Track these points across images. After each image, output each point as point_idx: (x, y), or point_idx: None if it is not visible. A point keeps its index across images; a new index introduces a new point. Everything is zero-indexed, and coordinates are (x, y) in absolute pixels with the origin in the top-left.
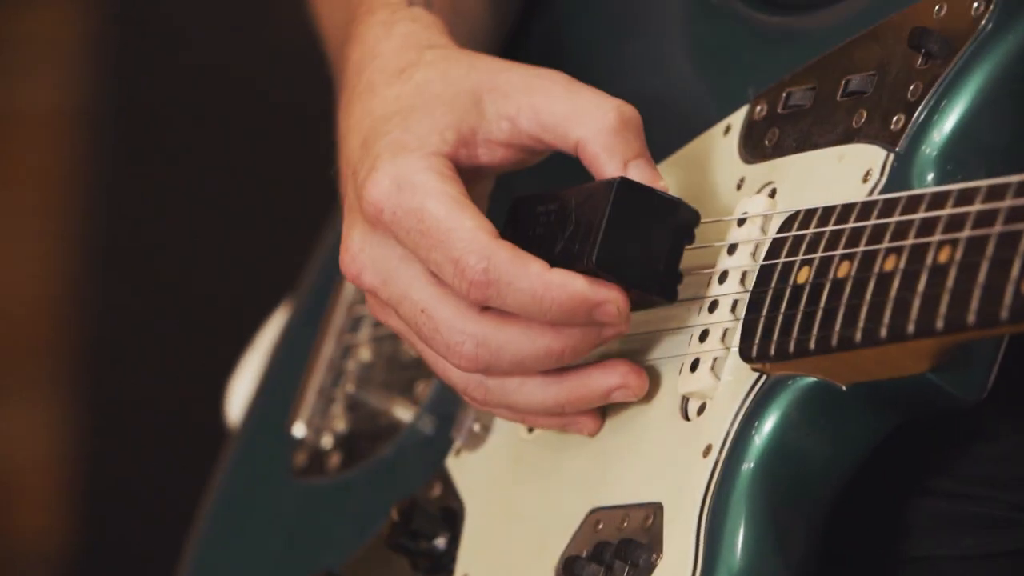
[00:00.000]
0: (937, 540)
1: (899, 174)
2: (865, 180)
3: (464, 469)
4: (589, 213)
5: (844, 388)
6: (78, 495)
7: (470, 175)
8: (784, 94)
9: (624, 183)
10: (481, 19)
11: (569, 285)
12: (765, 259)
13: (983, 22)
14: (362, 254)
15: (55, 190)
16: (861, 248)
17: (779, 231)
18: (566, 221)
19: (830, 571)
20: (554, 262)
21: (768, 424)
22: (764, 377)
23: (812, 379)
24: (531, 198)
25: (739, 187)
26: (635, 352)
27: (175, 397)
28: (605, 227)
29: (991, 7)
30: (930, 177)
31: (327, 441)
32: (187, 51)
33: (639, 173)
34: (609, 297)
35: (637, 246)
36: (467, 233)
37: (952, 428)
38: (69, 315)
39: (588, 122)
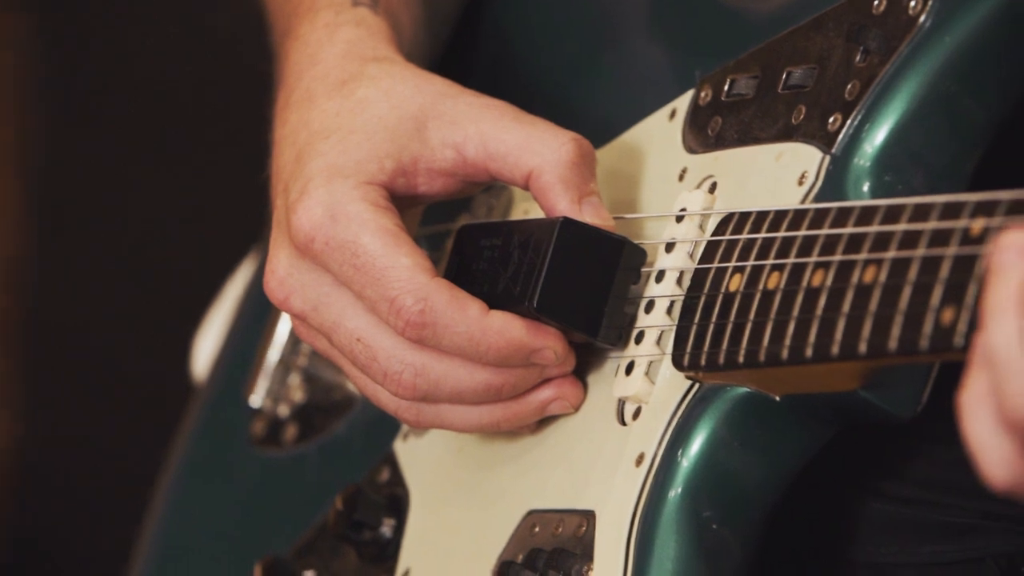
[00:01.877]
0: (895, 546)
1: (834, 179)
2: (801, 183)
3: (411, 454)
4: (532, 253)
5: (778, 399)
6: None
7: (405, 203)
8: (728, 81)
9: (567, 224)
10: (419, 19)
11: (507, 331)
12: (700, 262)
13: (921, 19)
14: (290, 279)
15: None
16: (791, 260)
17: (714, 233)
18: (508, 259)
19: (784, 574)
20: (495, 301)
21: (696, 444)
22: (698, 385)
23: (745, 390)
24: (477, 229)
25: (681, 178)
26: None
27: (137, 356)
28: (547, 271)
29: (928, 4)
30: (866, 187)
31: (284, 410)
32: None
33: (592, 211)
34: (547, 344)
35: (580, 289)
36: (404, 272)
37: (908, 432)
38: (21, 284)
39: (543, 152)
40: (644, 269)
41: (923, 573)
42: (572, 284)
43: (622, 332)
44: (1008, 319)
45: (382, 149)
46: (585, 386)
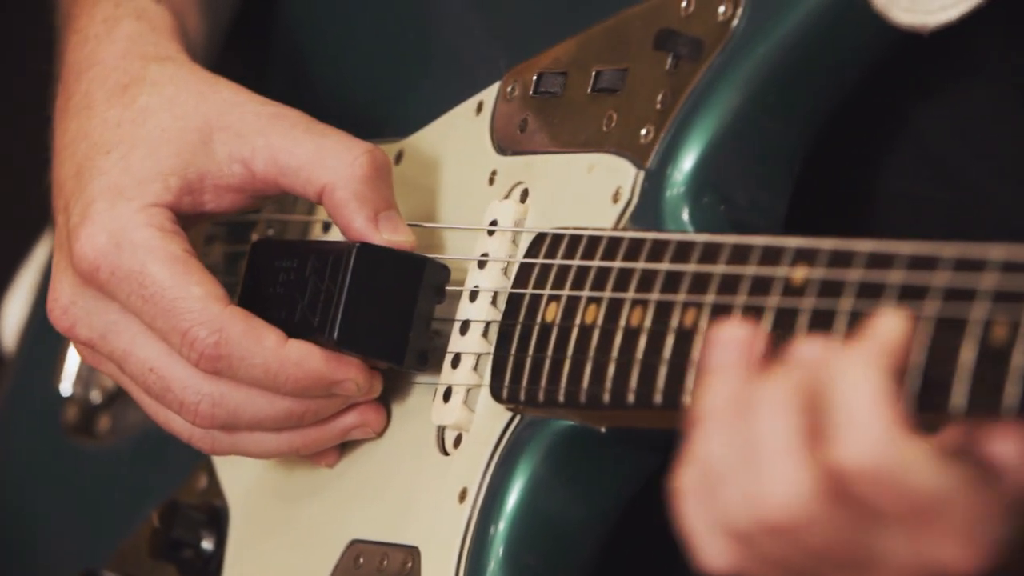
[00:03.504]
0: None
1: (650, 197)
2: (616, 199)
3: (232, 466)
4: (328, 281)
5: (603, 430)
6: None
7: (192, 221)
8: (535, 75)
9: (363, 250)
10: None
11: (305, 362)
12: (514, 285)
13: (733, 24)
14: (74, 307)
15: None
16: (607, 294)
17: (527, 254)
18: (304, 285)
19: None
20: (293, 329)
21: (517, 486)
22: (519, 417)
23: (568, 423)
24: (272, 247)
25: (491, 182)
26: (390, 374)
27: None
28: (345, 302)
29: (738, 9)
30: (685, 209)
31: (96, 396)
32: None
33: (390, 227)
34: (348, 375)
35: (381, 316)
36: (196, 303)
37: None
38: None
39: (336, 166)
40: (455, 288)
41: None
42: (373, 312)
43: (429, 356)
44: (721, 429)
45: (166, 166)
46: (403, 412)
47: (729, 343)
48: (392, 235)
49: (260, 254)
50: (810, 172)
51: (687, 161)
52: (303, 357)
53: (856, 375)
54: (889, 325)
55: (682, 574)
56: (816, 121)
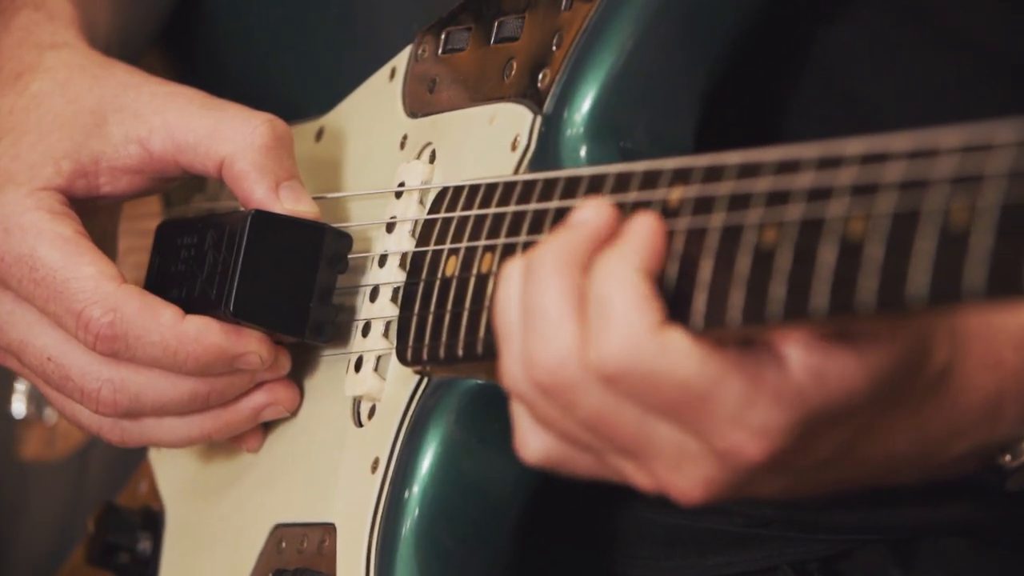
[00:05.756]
0: (677, 559)
1: (547, 141)
2: (514, 148)
3: (163, 463)
4: (225, 252)
5: None
6: None
7: (88, 206)
8: (444, 34)
9: (258, 217)
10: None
11: (204, 337)
12: (418, 244)
13: None
14: None
15: None
16: (501, 240)
17: (430, 211)
18: (203, 259)
19: None
20: (193, 306)
21: (430, 449)
22: (427, 379)
23: (476, 381)
24: (174, 225)
25: (402, 146)
26: (303, 348)
27: None
28: (240, 271)
29: None
30: (583, 148)
31: (51, 415)
32: None
33: (291, 197)
34: (249, 348)
35: (279, 286)
36: (88, 282)
37: None
38: None
39: (234, 138)
40: (365, 254)
41: None
42: (270, 282)
43: (329, 327)
44: (507, 290)
45: (58, 149)
46: (319, 388)
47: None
48: (294, 205)
49: (164, 234)
50: (716, 103)
51: (582, 102)
52: (201, 332)
53: (617, 272)
54: (645, 225)
55: (615, 526)
56: (715, 51)
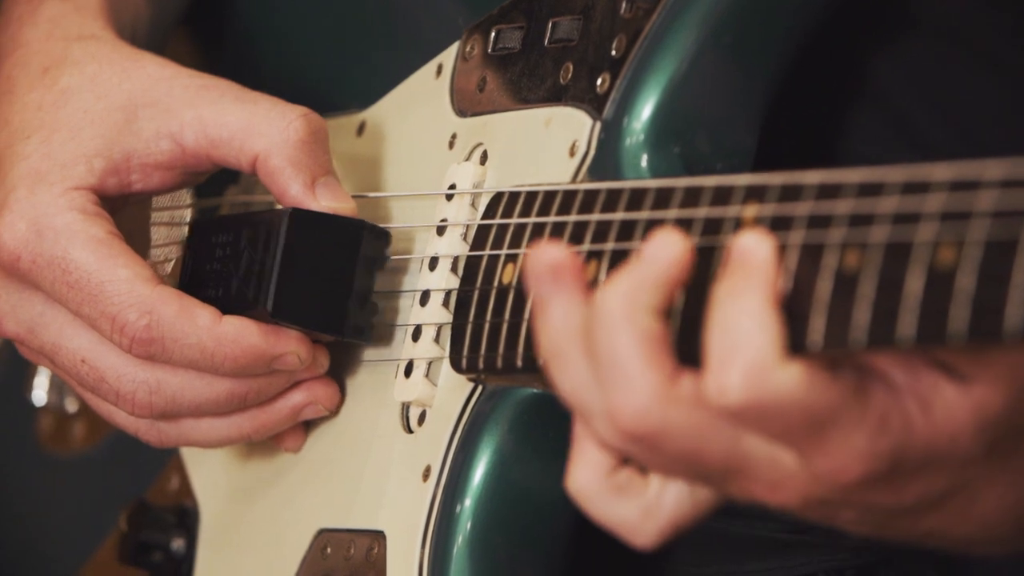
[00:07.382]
0: (716, 565)
1: (608, 148)
2: (572, 154)
3: (198, 459)
4: (262, 250)
5: None
6: None
7: (120, 203)
8: (494, 32)
9: (296, 216)
10: None
11: (242, 339)
12: (472, 248)
13: None
14: None
15: None
16: None
17: (484, 215)
18: (239, 258)
19: None
20: (229, 306)
21: (484, 458)
22: (481, 387)
23: (531, 390)
24: (208, 225)
25: (451, 145)
26: (349, 351)
27: None
28: (278, 270)
29: None
30: (644, 157)
31: (71, 404)
32: None
33: (328, 194)
34: (288, 349)
35: (317, 285)
36: (123, 285)
37: None
38: None
39: (269, 133)
40: (414, 256)
41: None
42: (308, 281)
43: (369, 327)
44: (567, 360)
45: (90, 147)
46: (368, 392)
47: (547, 267)
48: (331, 202)
49: (198, 233)
50: (772, 135)
51: (644, 108)
52: (239, 333)
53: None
54: (759, 249)
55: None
56: (775, 67)
